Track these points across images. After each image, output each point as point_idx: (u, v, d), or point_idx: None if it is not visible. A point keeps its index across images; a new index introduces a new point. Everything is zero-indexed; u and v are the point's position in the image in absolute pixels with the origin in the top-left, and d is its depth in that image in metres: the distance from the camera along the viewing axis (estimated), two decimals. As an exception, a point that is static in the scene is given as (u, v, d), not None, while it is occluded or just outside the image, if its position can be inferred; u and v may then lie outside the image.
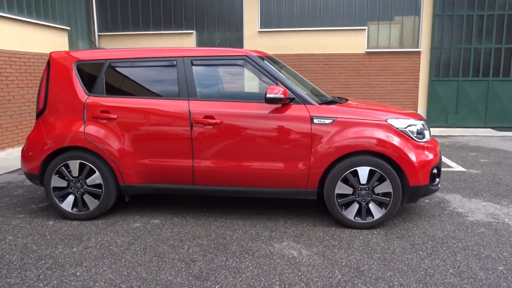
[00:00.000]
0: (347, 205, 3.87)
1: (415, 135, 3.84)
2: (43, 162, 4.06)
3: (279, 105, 3.84)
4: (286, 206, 4.51)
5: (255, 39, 10.28)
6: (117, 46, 10.56)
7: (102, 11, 10.64)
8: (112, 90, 4.07)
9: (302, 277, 2.98)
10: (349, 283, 2.89)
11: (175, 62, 4.02)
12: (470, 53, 9.86)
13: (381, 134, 3.75)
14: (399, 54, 9.98)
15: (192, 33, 10.40)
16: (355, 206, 3.85)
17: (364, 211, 3.84)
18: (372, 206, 3.83)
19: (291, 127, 3.81)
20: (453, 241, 3.59)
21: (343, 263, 3.19)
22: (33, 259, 3.26)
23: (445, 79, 9.99)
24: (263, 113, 3.84)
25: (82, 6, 10.04)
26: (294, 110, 3.83)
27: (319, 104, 3.90)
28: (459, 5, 9.72)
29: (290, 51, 10.22)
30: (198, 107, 3.90)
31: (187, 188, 4.03)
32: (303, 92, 3.92)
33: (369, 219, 3.85)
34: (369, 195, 3.82)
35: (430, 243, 3.56)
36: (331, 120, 3.79)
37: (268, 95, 3.71)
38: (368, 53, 10.05)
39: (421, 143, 3.83)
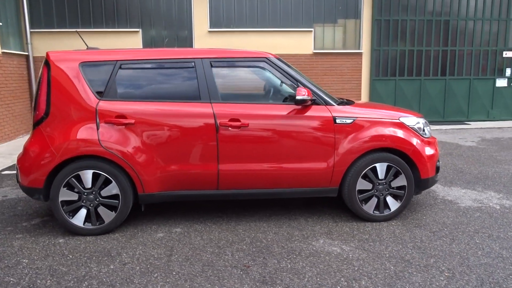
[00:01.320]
0: (367, 200, 4.07)
1: (421, 131, 4.18)
2: (49, 174, 3.66)
3: (299, 107, 3.91)
4: (296, 205, 4.60)
5: (205, 38, 10.15)
6: (52, 44, 9.70)
7: (34, 6, 9.68)
8: (125, 94, 3.80)
9: (361, 271, 3.11)
10: (405, 273, 3.08)
11: (193, 64, 3.88)
12: (405, 55, 10.79)
13: (397, 132, 4.01)
14: (343, 55, 10.56)
15: (137, 31, 9.94)
16: (374, 200, 4.07)
17: (382, 205, 4.08)
18: (389, 199, 4.09)
19: (316, 128, 3.91)
20: (462, 226, 3.98)
21: (387, 255, 3.38)
22: (73, 282, 2.95)
23: (384, 79, 10.81)
24: (289, 114, 3.88)
25: (12, -1, 9.05)
26: (317, 111, 3.93)
27: (338, 104, 4.05)
28: (395, 10, 10.58)
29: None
30: (223, 110, 3.81)
31: (210, 194, 3.93)
32: (322, 93, 4.04)
33: (386, 212, 4.10)
34: (386, 189, 4.07)
35: (445, 229, 3.90)
36: (352, 120, 3.96)
37: (298, 97, 3.77)
38: (315, 53, 10.49)
39: (426, 139, 4.17)
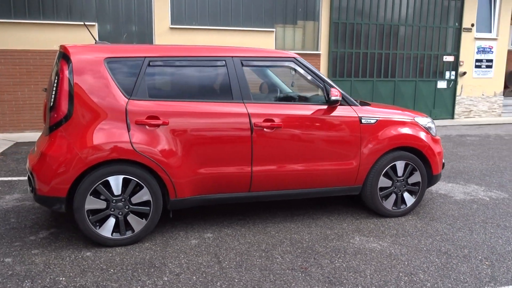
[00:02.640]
0: (386, 196, 4.23)
1: (431, 130, 4.44)
2: (74, 181, 3.31)
3: (325, 107, 3.94)
4: (309, 205, 4.64)
5: (166, 35, 9.79)
6: (-6, 36, 8.72)
7: (-28, -8, 8.62)
8: (155, 93, 3.56)
9: (412, 266, 3.23)
10: (451, 264, 3.27)
11: (224, 62, 3.74)
12: (359, 57, 11.32)
13: (414, 132, 4.22)
14: (302, 55, 10.80)
15: (93, 25, 9.29)
16: (393, 197, 4.25)
17: (399, 201, 4.27)
18: (405, 195, 4.29)
19: (344, 128, 3.97)
20: (470, 218, 4.30)
21: (425, 248, 3.55)
22: (134, 298, 2.71)
23: (341, 79, 11.25)
24: (319, 115, 3.91)
25: None
26: (344, 111, 4.00)
27: (360, 105, 4.16)
28: (351, 14, 11.05)
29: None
30: (257, 110, 3.73)
31: (242, 196, 3.82)
32: (346, 94, 4.12)
33: (403, 207, 4.29)
34: (404, 186, 4.26)
35: (458, 222, 4.19)
36: (375, 120, 4.09)
37: (333, 98, 3.81)
38: (276, 54, 10.58)
39: (434, 137, 4.44)
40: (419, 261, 3.31)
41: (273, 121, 3.75)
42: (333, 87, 3.96)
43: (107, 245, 3.45)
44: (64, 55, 3.44)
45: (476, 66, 12.31)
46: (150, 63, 3.56)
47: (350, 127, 3.99)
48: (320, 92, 4.14)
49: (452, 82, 12.18)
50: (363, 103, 4.34)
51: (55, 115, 3.35)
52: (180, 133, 3.53)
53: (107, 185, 3.38)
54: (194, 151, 3.57)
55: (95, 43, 3.85)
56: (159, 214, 3.56)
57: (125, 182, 3.42)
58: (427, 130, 4.35)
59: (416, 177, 4.28)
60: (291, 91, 4.32)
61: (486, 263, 3.30)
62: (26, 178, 5.50)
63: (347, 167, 4.02)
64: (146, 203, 3.49)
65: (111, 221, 3.43)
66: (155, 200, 3.50)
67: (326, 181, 4.01)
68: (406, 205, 4.30)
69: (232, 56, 3.78)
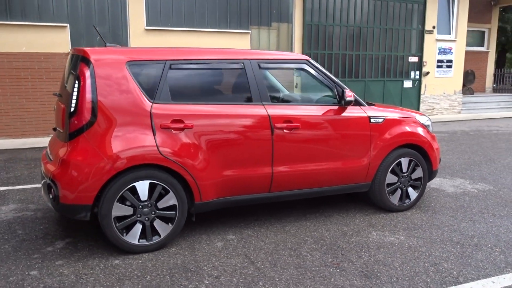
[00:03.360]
0: (393, 192, 4.43)
1: (430, 128, 4.69)
2: (101, 188, 3.22)
3: (335, 107, 4.07)
4: (317, 203, 4.75)
5: (142, 37, 9.59)
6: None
7: None
8: (177, 96, 3.53)
9: (434, 256, 3.42)
10: (468, 253, 3.49)
11: (242, 65, 3.78)
12: (331, 58, 11.62)
13: (417, 129, 4.45)
14: (277, 57, 10.93)
15: (65, 26, 8.94)
16: (398, 192, 4.45)
17: (404, 196, 4.48)
18: (410, 190, 4.51)
19: (356, 127, 4.12)
20: (468, 209, 4.58)
21: (438, 240, 3.76)
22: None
23: (315, 80, 11.50)
24: (334, 115, 4.03)
25: None
26: (355, 111, 4.15)
27: (368, 105, 4.33)
28: (323, 16, 11.32)
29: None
30: (276, 112, 3.79)
31: (262, 197, 3.86)
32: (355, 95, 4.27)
33: (407, 202, 4.51)
34: (408, 181, 4.48)
35: (458, 213, 4.46)
36: (382, 120, 4.27)
37: (348, 98, 3.95)
38: (251, 55, 10.66)
39: (432, 134, 4.70)
40: (438, 252, 3.50)
41: (291, 122, 3.83)
42: (345, 88, 4.09)
43: (134, 252, 3.39)
44: (83, 59, 3.34)
45: (438, 66, 13.00)
46: (172, 66, 3.53)
47: (361, 126, 4.15)
48: (328, 93, 4.24)
49: (417, 81, 12.79)
50: (368, 104, 4.51)
51: (77, 121, 3.25)
52: (204, 136, 3.53)
53: (133, 190, 3.31)
54: (218, 153, 3.58)
55: (106, 46, 3.77)
56: (185, 218, 3.54)
57: (151, 187, 3.37)
58: (426, 127, 4.60)
59: (418, 173, 4.51)
60: (288, 92, 4.40)
61: (497, 250, 3.56)
62: (20, 187, 5.24)
63: (359, 165, 4.17)
64: (172, 208, 3.46)
65: (138, 227, 3.36)
66: (181, 204, 3.48)
67: (340, 179, 4.14)
68: (410, 199, 4.52)
69: (249, 59, 3.82)
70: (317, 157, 3.98)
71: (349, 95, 3.97)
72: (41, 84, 8.86)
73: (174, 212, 3.46)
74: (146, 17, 9.64)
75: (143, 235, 3.40)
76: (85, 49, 3.39)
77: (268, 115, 3.75)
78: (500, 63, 20.86)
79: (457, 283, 2.99)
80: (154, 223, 3.42)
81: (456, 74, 13.39)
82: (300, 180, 3.95)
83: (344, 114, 4.08)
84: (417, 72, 12.75)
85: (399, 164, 4.39)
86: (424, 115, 4.71)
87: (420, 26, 12.55)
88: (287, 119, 3.82)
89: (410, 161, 4.43)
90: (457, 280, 3.03)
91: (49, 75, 8.90)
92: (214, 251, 3.46)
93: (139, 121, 3.35)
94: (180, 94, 3.55)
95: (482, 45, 16.21)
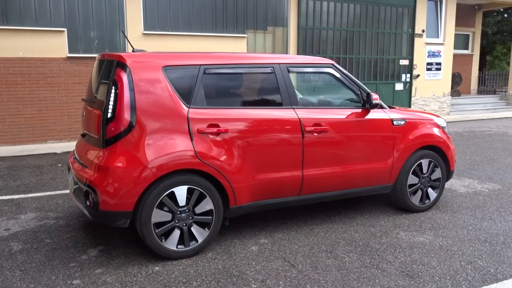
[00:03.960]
0: (414, 193, 4.51)
1: (446, 130, 4.80)
2: (141, 194, 3.19)
3: (359, 110, 4.13)
4: (335, 205, 4.80)
5: (140, 41, 9.50)
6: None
7: None
8: (212, 100, 3.53)
9: (467, 254, 3.50)
10: (497, 250, 3.58)
11: (273, 69, 3.80)
12: (326, 62, 11.75)
13: (436, 131, 4.56)
14: (273, 61, 10.99)
15: (62, 31, 8.79)
16: (419, 193, 4.54)
17: (424, 196, 4.57)
18: (429, 190, 4.60)
19: (381, 129, 4.20)
20: (484, 208, 4.71)
21: (466, 239, 3.85)
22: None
23: (310, 83, 11.61)
24: (359, 117, 4.09)
25: None
26: (378, 114, 4.22)
27: (389, 108, 4.41)
28: (317, 20, 11.45)
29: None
30: (306, 115, 3.83)
31: (292, 200, 3.89)
32: (378, 98, 4.35)
33: (427, 202, 4.60)
34: (428, 182, 4.57)
35: (477, 212, 4.57)
36: (404, 122, 4.36)
37: (375, 101, 4.02)
38: (248, 59, 10.68)
39: (448, 136, 4.82)
40: (469, 250, 3.59)
41: (320, 125, 3.87)
42: (369, 91, 4.16)
43: (172, 258, 3.36)
44: (119, 64, 3.30)
45: (427, 69, 13.30)
46: (206, 71, 3.52)
47: (385, 128, 4.22)
48: (350, 96, 4.29)
49: (408, 84, 13.05)
50: (389, 107, 4.60)
51: (115, 127, 3.21)
52: (239, 140, 3.53)
53: (171, 196, 3.29)
54: (252, 157, 3.59)
55: (133, 51, 3.74)
56: (221, 223, 3.53)
57: (189, 193, 3.35)
58: (443, 129, 4.71)
59: (437, 173, 4.61)
60: (335, 95, 4.46)
61: (524, 247, 3.67)
62: (33, 194, 5.12)
63: (383, 167, 4.24)
64: (208, 213, 3.45)
65: (176, 233, 3.34)
66: (217, 209, 3.47)
67: (366, 181, 4.20)
68: (429, 200, 4.61)
69: (279, 63, 3.85)
70: (344, 159, 4.03)
71: (375, 97, 4.04)
72: (38, 89, 8.68)
73: (210, 217, 3.45)
74: (144, 22, 9.57)
75: (180, 240, 3.38)
76: (120, 54, 3.36)
77: (299, 118, 3.78)
78: (481, 65, 21.48)
79: (497, 280, 3.08)
80: (192, 228, 3.40)
81: (445, 76, 13.72)
82: (328, 182, 3.99)
83: (368, 117, 4.15)
84: (408, 75, 13.01)
85: (420, 165, 4.48)
86: (440, 117, 4.83)
87: (410, 30, 12.82)
88: (316, 123, 3.86)
89: (429, 162, 4.53)
90: (497, 278, 3.12)
91: (46, 80, 8.73)
92: (251, 255, 3.46)
93: (177, 126, 3.33)
94: (214, 99, 3.55)
95: (467, 48, 16.67)
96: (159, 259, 3.36)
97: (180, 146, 3.30)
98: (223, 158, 3.44)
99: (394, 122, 4.29)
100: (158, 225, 3.28)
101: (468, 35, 16.56)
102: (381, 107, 4.29)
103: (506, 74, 17.31)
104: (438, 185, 4.64)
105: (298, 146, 3.78)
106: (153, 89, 3.30)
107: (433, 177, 4.59)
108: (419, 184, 4.51)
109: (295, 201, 3.92)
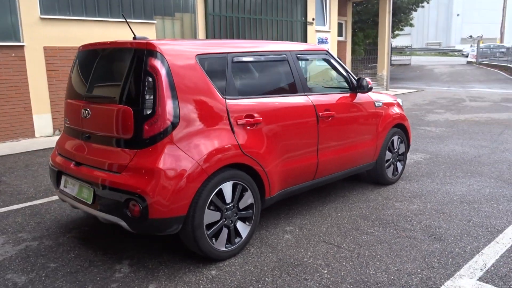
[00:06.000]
0: (388, 167, 5.00)
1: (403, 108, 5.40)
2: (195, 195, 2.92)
3: (349, 94, 4.39)
4: (317, 191, 5.04)
5: (38, 27, 8.25)
6: None
7: None
8: (241, 90, 3.38)
9: (462, 214, 4.07)
10: (482, 208, 4.24)
11: (285, 57, 3.78)
12: (234, 49, 11.80)
13: (401, 110, 5.09)
14: (183, 48, 10.64)
15: None
16: (392, 167, 5.04)
17: (395, 169, 5.09)
18: (398, 164, 5.15)
19: (369, 111, 4.53)
20: (434, 174, 5.45)
21: (447, 201, 4.45)
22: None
23: (220, 71, 11.55)
24: (355, 101, 4.34)
25: None
26: (366, 97, 4.53)
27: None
28: (223, 7, 11.39)
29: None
30: (317, 101, 3.92)
31: (307, 185, 3.98)
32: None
33: (396, 174, 5.14)
34: (397, 156, 5.11)
35: (433, 179, 5.27)
36: (381, 104, 4.77)
37: (370, 85, 4.30)
38: (158, 47, 10.14)
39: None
40: (458, 211, 4.17)
41: (329, 110, 4.02)
42: (352, 75, 4.41)
43: (221, 259, 3.18)
44: (150, 52, 2.92)
45: (318, 55, 14.37)
46: (233, 59, 3.35)
47: (372, 110, 4.57)
48: (340, 82, 4.51)
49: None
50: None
51: (156, 124, 2.86)
52: (271, 130, 3.47)
53: (219, 194, 3.09)
54: (281, 146, 3.57)
55: (134, 38, 3.34)
56: (259, 215, 3.45)
57: (233, 188, 3.19)
58: (402, 108, 5.28)
59: (402, 148, 5.17)
60: (329, 80, 4.59)
61: (493, 203, 4.40)
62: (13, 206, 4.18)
63: (372, 145, 4.60)
64: (249, 207, 3.33)
65: (225, 232, 3.16)
66: (257, 201, 3.38)
67: (361, 160, 4.51)
68: (397, 172, 5.16)
69: (290, 51, 3.85)
70: (347, 141, 4.26)
71: (370, 82, 4.33)
72: None
73: (251, 211, 3.35)
74: (40, 5, 8.33)
75: (229, 239, 3.21)
76: (150, 41, 2.97)
77: (313, 104, 3.87)
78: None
79: (500, 232, 3.66)
80: (237, 225, 3.25)
81: (332, 61, 14.99)
82: (336, 164, 4.18)
83: (359, 100, 4.43)
84: (304, 61, 13.87)
85: (392, 142, 4.97)
86: (398, 98, 5.39)
87: (303, 18, 13.66)
88: (326, 108, 3.99)
89: (398, 138, 5.05)
90: (497, 230, 3.71)
91: None
92: (292, 243, 3.47)
93: (218, 118, 3.13)
94: (243, 88, 3.41)
95: (342, 35, 18.42)
96: (207, 262, 3.15)
97: (225, 140, 3.11)
98: (260, 149, 3.35)
99: (376, 104, 4.67)
100: (209, 226, 3.06)
101: (342, 24, 18.30)
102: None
103: (372, 59, 19.72)
104: (403, 158, 5.22)
105: (315, 132, 3.87)
106: (191, 80, 3.02)
107: (400, 151, 5.14)
108: (391, 159, 5.01)
109: (308, 186, 4.01)
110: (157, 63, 2.90)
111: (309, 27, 13.80)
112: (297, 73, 3.85)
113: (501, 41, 45.43)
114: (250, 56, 3.51)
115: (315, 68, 4.63)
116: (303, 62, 4.05)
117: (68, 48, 8.65)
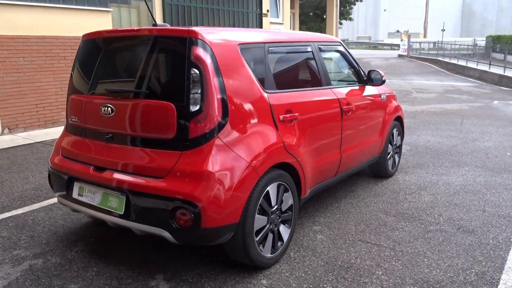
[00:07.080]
0: (389, 159, 5.01)
1: (396, 101, 5.44)
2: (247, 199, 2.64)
3: (358, 86, 4.32)
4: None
5: (-21, 11, 7.26)
6: None
7: None
8: (278, 83, 3.12)
9: (474, 205, 4.16)
10: (483, 198, 4.37)
11: (310, 48, 3.58)
12: (192, 39, 11.31)
13: (398, 103, 5.11)
14: (140, 38, 9.99)
15: None
16: (391, 160, 5.06)
17: (394, 162, 5.12)
18: (396, 156, 5.18)
19: (379, 104, 4.48)
20: (424, 166, 5.58)
21: (452, 193, 4.55)
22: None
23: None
24: (368, 94, 4.26)
25: None
26: (375, 90, 4.47)
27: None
28: (180, -5, 10.87)
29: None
30: (341, 95, 3.78)
31: (330, 182, 3.83)
32: (368, 74, 4.57)
33: (394, 167, 5.17)
34: (395, 149, 5.14)
35: (425, 170, 5.38)
36: (385, 96, 4.74)
37: (384, 78, 4.22)
38: (115, 36, 9.42)
39: (396, 105, 5.46)
40: (468, 201, 4.26)
41: (350, 104, 3.89)
42: (360, 67, 4.34)
43: (267, 266, 2.93)
44: (193, 40, 2.57)
45: (273, 47, 14.28)
46: (269, 50, 3.08)
47: (380, 103, 4.53)
48: (350, 74, 4.40)
49: (260, 61, 13.78)
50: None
51: (205, 122, 2.54)
52: (305, 126, 3.27)
53: (267, 196, 2.84)
54: (313, 142, 3.38)
55: (153, 25, 2.96)
56: (297, 216, 3.24)
57: (277, 190, 2.95)
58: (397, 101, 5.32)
59: (399, 140, 5.21)
60: (343, 72, 4.45)
61: (493, 192, 4.57)
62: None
63: (380, 139, 4.57)
64: (289, 208, 3.11)
65: (270, 237, 2.92)
66: (295, 202, 3.17)
67: (371, 153, 4.46)
68: (395, 164, 5.20)
69: (313, 42, 3.65)
70: (363, 135, 4.18)
71: (383, 74, 4.26)
72: None
73: (290, 213, 3.13)
74: (-17, -14, 7.34)
75: (273, 244, 2.97)
76: (192, 28, 2.61)
77: (338, 98, 3.72)
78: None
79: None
80: (280, 229, 3.02)
81: (286, 54, 15.00)
82: (353, 159, 4.09)
83: (370, 93, 4.35)
84: (260, 53, 13.72)
85: (392, 135, 4.98)
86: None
87: (258, 10, 13.47)
88: (348, 102, 3.86)
89: (397, 131, 5.08)
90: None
91: None
92: (328, 245, 3.31)
93: (263, 114, 2.86)
94: (279, 81, 3.16)
95: (290, 28, 18.51)
96: (252, 272, 2.89)
97: (272, 138, 2.86)
98: (298, 147, 3.14)
99: (382, 96, 4.63)
100: (257, 232, 2.80)
101: (290, 16, 18.38)
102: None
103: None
104: (399, 150, 5.26)
105: (339, 126, 3.73)
106: (236, 72, 2.73)
107: (397, 144, 5.18)
108: (391, 152, 5.02)
109: (331, 183, 3.87)
110: (203, 53, 2.57)
111: (264, 19, 13.65)
112: (321, 64, 3.67)
113: (424, 36, 48.69)
114: (283, 46, 3.27)
115: (328, 59, 4.47)
116: (324, 53, 3.87)
117: (16, 37, 7.72)
